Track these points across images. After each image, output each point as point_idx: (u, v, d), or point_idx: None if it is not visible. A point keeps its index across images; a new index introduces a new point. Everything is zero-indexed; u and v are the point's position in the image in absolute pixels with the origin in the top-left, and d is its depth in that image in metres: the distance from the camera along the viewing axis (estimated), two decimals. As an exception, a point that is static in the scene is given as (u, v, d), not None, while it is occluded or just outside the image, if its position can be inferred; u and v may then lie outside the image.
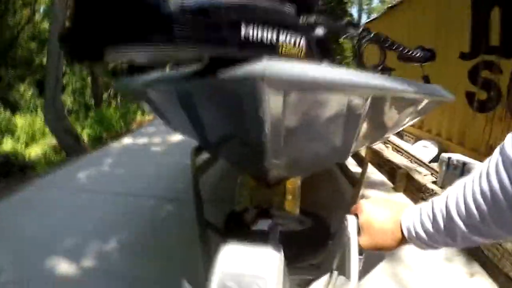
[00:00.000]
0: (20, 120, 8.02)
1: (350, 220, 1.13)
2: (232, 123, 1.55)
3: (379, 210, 0.91)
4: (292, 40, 1.28)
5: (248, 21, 1.13)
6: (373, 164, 3.84)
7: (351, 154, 2.08)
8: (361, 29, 1.79)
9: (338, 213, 1.85)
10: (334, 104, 1.41)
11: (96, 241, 3.16)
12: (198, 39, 1.01)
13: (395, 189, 3.47)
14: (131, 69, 2.36)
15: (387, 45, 1.90)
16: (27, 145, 7.23)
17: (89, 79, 11.64)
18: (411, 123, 2.53)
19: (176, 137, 6.36)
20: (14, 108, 8.56)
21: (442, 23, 5.47)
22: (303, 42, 1.31)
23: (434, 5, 5.78)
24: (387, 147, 3.94)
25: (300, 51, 1.32)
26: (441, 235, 0.71)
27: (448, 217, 0.68)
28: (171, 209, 3.77)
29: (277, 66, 1.02)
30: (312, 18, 1.54)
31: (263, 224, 1.87)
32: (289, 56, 1.27)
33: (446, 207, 0.68)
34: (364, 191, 3.34)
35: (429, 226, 0.73)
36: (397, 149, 3.99)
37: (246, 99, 1.18)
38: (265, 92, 1.09)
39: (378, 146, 3.82)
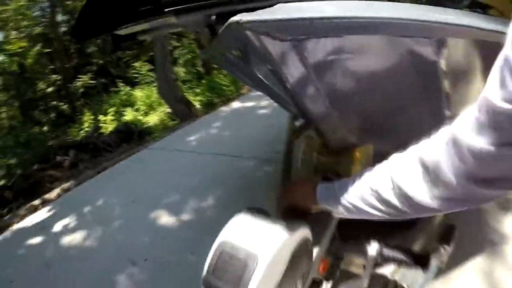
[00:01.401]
0: (139, 93, 8.80)
1: None
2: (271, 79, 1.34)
3: None
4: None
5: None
6: None
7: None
8: None
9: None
10: (382, 50, 1.08)
11: (195, 197, 3.29)
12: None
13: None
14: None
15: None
16: (146, 114, 7.89)
17: (197, 51, 12.17)
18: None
19: None
20: (132, 83, 9.38)
21: None
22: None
23: None
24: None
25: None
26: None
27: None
28: (268, 169, 3.69)
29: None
30: None
31: None
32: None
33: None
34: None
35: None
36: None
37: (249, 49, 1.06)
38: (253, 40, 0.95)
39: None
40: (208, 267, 0.95)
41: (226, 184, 3.42)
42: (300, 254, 1.03)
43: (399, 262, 1.29)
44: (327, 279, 1.33)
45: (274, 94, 1.76)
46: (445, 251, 1.41)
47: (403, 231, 1.58)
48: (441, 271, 1.42)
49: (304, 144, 1.62)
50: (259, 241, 0.95)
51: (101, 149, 5.53)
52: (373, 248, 1.26)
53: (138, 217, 3.21)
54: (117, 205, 3.51)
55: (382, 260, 1.26)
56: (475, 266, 1.89)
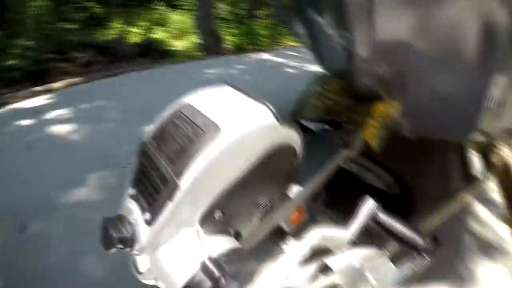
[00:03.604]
0: (175, 16, 8.56)
1: None
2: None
3: None
4: None
5: None
6: (499, 180, 2.70)
7: (478, 131, 1.44)
8: None
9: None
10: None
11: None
12: None
13: (506, 221, 2.32)
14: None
15: None
16: (175, 38, 7.66)
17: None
18: None
19: (314, 67, 5.89)
20: (172, 5, 9.08)
21: None
22: None
23: None
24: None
25: None
26: None
27: None
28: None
29: None
30: None
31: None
32: None
33: None
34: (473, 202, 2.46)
35: None
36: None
37: None
38: None
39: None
40: (152, 131, 0.74)
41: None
42: (278, 162, 0.77)
43: (392, 236, 1.05)
44: (295, 236, 1.13)
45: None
46: (422, 260, 1.21)
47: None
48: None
49: (319, 87, 1.47)
50: (233, 113, 0.70)
51: (119, 56, 5.38)
52: (368, 205, 1.02)
53: (129, 126, 3.09)
54: (113, 110, 3.40)
55: (373, 224, 1.02)
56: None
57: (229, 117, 0.67)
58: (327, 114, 1.47)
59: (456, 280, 1.85)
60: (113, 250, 0.68)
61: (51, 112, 3.36)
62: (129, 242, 0.66)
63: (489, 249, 2.10)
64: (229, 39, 8.37)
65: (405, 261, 1.21)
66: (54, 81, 4.32)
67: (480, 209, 2.44)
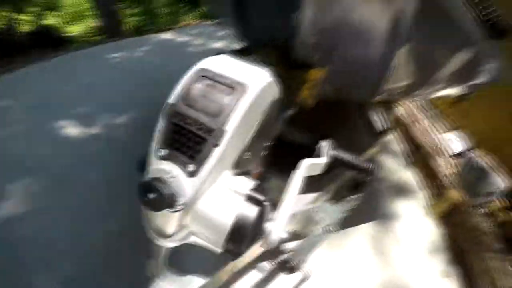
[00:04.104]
0: (67, 0, 8.01)
1: None
2: None
3: None
4: None
5: None
6: (400, 132, 3.19)
7: (381, 92, 1.66)
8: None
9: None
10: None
11: (108, 113, 3.15)
12: None
13: (413, 165, 2.80)
14: None
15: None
16: (70, 23, 7.23)
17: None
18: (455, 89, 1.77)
19: (219, 44, 5.92)
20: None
21: None
22: None
23: None
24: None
25: None
26: None
27: None
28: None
29: None
30: None
31: None
32: None
33: None
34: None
35: None
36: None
37: None
38: None
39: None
40: (179, 94, 0.83)
41: (141, 104, 3.31)
42: (273, 112, 0.95)
43: (347, 165, 1.21)
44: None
45: None
46: (355, 199, 1.47)
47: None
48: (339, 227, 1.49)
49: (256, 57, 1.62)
50: (248, 73, 0.86)
51: (11, 49, 5.01)
52: (325, 144, 1.17)
53: (42, 123, 3.01)
54: (19, 110, 3.25)
55: (331, 158, 1.17)
56: (367, 231, 2.13)
57: (249, 76, 0.85)
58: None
59: (380, 218, 2.21)
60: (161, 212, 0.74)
61: None
62: (175, 199, 0.74)
63: (401, 191, 2.48)
64: (127, 20, 8.11)
65: (343, 200, 1.46)
66: None
67: (386, 159, 2.84)
